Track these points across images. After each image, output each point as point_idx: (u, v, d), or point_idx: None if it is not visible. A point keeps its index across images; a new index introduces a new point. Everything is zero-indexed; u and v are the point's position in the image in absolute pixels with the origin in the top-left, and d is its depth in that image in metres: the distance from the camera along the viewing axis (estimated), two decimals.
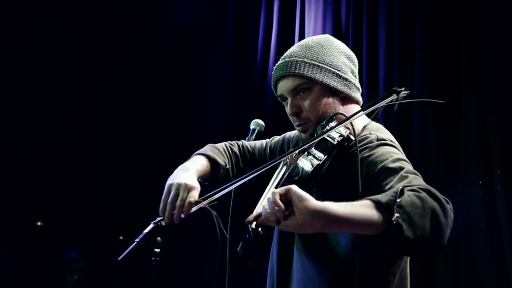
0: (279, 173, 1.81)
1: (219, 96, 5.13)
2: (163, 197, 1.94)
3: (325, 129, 1.82)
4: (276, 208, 1.45)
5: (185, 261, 4.69)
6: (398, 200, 1.45)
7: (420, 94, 3.47)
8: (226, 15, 5.11)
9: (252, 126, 2.52)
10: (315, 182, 1.77)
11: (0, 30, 4.74)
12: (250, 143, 2.37)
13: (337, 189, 1.80)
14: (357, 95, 2.02)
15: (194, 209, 1.90)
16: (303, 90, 1.94)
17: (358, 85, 2.04)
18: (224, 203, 1.98)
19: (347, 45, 3.91)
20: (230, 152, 2.27)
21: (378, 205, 1.47)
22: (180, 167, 2.05)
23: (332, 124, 1.85)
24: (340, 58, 1.98)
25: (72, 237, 4.74)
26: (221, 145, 2.28)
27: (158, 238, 2.09)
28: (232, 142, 2.35)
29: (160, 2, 5.14)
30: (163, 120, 5.16)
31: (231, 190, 1.88)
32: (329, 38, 2.03)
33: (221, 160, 2.18)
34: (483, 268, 3.12)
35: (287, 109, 1.99)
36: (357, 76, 2.05)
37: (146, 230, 2.02)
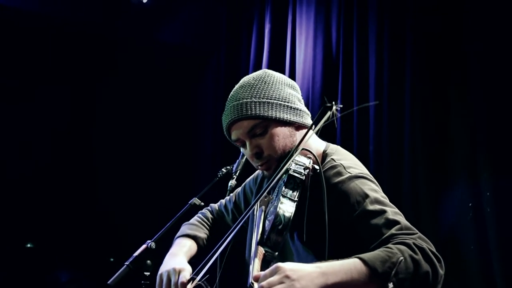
0: (259, 221, 1.81)
1: (210, 118, 5.16)
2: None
3: (287, 162, 1.81)
4: None
5: None
6: (395, 269, 1.53)
7: (410, 118, 3.50)
8: (218, 38, 5.16)
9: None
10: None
11: None
12: (218, 205, 2.47)
13: (310, 221, 1.83)
14: (308, 120, 2.03)
15: (189, 287, 1.91)
16: (260, 129, 1.93)
17: (307, 110, 2.06)
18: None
19: (338, 68, 4.03)
20: (206, 219, 2.39)
21: (374, 272, 1.53)
22: (167, 255, 2.16)
23: (296, 158, 1.84)
24: (285, 89, 1.99)
25: (62, 260, 4.71)
26: (195, 219, 2.40)
27: (148, 262, 2.09)
28: (202, 211, 2.46)
29: (152, 24, 5.19)
30: (154, 143, 5.19)
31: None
32: (268, 73, 2.03)
33: (202, 233, 2.32)
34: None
35: (247, 152, 1.97)
36: (303, 101, 2.08)
37: (136, 253, 2.02)
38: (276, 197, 1.77)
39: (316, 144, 2.02)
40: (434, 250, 1.63)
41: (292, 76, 4.27)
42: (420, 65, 3.51)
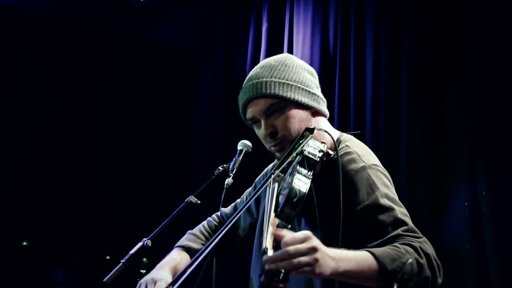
0: (272, 196, 1.76)
1: (207, 117, 5.16)
2: None
3: (302, 144, 1.82)
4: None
5: None
6: (403, 270, 1.55)
7: (407, 117, 3.50)
8: (215, 37, 5.16)
9: (239, 147, 2.52)
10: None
11: None
12: (229, 209, 2.47)
13: (319, 206, 1.83)
14: (324, 108, 2.05)
15: None
16: (276, 109, 1.93)
17: (323, 98, 2.07)
18: None
19: (335, 67, 4.03)
20: (208, 229, 2.41)
21: (383, 269, 1.55)
22: (156, 267, 2.18)
23: (306, 140, 1.84)
24: (304, 74, 2.00)
25: (58, 258, 4.70)
26: (197, 228, 2.42)
27: (144, 259, 2.10)
28: (209, 218, 2.48)
29: (150, 23, 5.19)
30: (152, 142, 5.19)
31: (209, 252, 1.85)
32: (289, 57, 2.06)
33: (198, 244, 2.32)
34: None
35: (261, 131, 1.98)
36: (320, 89, 2.08)
37: (132, 251, 2.03)
38: (290, 175, 1.76)
39: (330, 131, 2.00)
40: (436, 257, 1.64)
41: None
42: (418, 64, 3.51)
